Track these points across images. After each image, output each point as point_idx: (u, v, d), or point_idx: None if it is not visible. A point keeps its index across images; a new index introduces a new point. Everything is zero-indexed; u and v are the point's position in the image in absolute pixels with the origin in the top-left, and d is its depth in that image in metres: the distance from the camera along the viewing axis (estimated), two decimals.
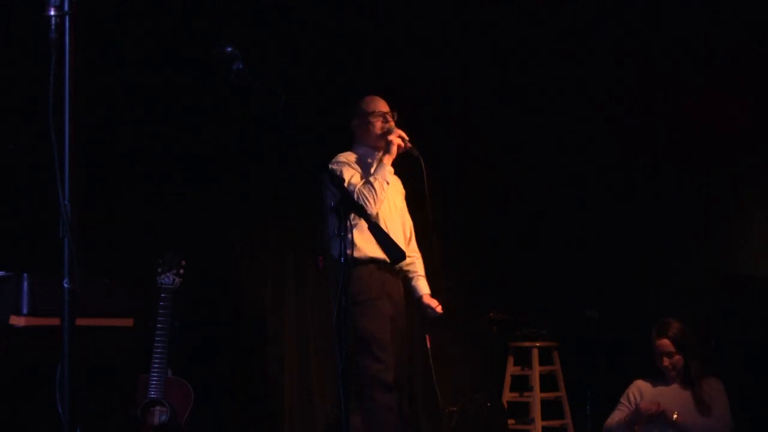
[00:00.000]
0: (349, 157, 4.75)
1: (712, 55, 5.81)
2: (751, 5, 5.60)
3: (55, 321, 2.19)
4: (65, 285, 2.14)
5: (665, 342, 4.81)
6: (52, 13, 2.14)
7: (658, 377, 4.88)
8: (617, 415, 4.87)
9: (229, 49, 2.85)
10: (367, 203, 4.49)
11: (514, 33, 6.12)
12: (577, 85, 6.25)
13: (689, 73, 5.90)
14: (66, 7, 2.15)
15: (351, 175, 4.63)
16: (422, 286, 4.92)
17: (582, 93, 6.25)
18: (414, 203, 4.84)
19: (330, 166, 4.58)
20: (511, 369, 6.26)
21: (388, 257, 3.57)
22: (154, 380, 4.31)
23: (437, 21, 6.02)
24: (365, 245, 4.50)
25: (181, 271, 4.48)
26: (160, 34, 5.07)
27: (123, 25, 4.85)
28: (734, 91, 5.82)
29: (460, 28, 6.10)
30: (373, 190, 4.53)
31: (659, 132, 6.06)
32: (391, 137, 4.68)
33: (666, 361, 4.81)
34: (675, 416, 4.67)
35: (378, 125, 4.77)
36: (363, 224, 4.36)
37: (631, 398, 4.88)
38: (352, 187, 4.52)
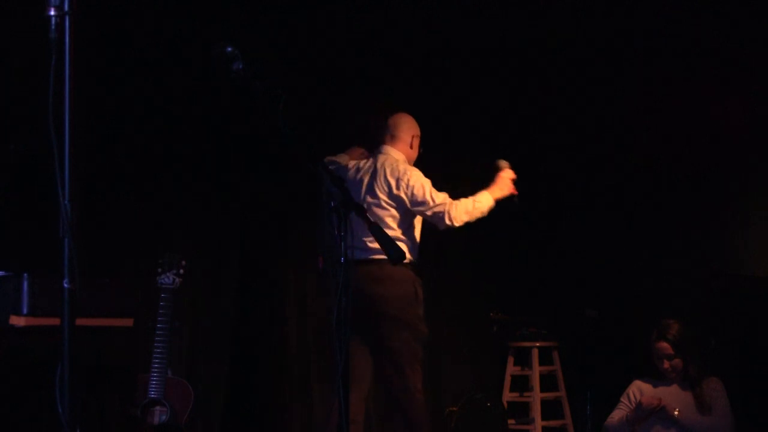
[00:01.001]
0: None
1: (712, 55, 5.81)
2: (751, 5, 5.61)
3: (55, 321, 2.19)
4: (65, 285, 2.14)
5: (664, 345, 4.81)
6: (52, 13, 2.14)
7: (658, 377, 4.89)
8: (617, 414, 4.88)
9: (229, 49, 2.85)
10: (460, 222, 4.62)
11: (515, 32, 6.12)
12: (576, 85, 6.25)
13: (689, 73, 5.90)
14: (66, 7, 2.14)
15: (431, 186, 4.66)
16: None
17: (581, 93, 6.25)
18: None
19: (411, 171, 4.64)
20: (511, 369, 6.26)
21: (389, 256, 3.56)
22: (154, 380, 4.31)
23: (441, 20, 6.02)
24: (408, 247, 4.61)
25: (181, 271, 4.48)
26: (161, 34, 5.07)
27: (123, 24, 4.85)
28: (734, 91, 5.83)
29: (465, 28, 6.10)
30: (471, 216, 4.66)
31: (659, 132, 6.06)
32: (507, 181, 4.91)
33: (666, 364, 4.81)
34: (676, 413, 4.67)
35: (418, 149, 4.89)
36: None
37: (632, 397, 4.89)
38: (441, 200, 4.60)
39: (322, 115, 5.64)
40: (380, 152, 4.78)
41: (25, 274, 3.25)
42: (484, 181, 5.46)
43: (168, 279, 4.46)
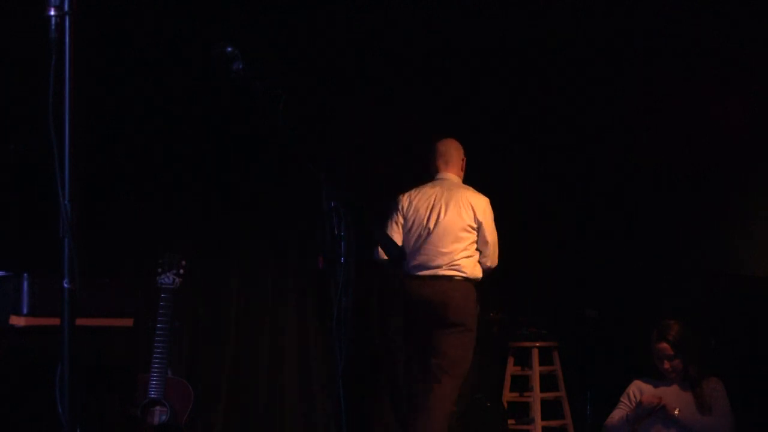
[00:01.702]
0: None
1: (712, 55, 5.81)
2: (751, 5, 5.61)
3: (55, 321, 2.19)
4: (65, 285, 2.14)
5: (664, 346, 4.80)
6: (52, 13, 2.14)
7: (658, 377, 4.88)
8: (618, 414, 4.87)
9: (229, 49, 2.85)
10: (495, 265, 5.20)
11: (515, 32, 6.12)
12: (576, 85, 6.25)
13: (689, 73, 5.90)
14: (66, 7, 2.14)
15: None
16: None
17: (581, 93, 6.25)
18: None
19: (486, 201, 5.12)
20: (511, 369, 6.26)
21: (391, 257, 3.60)
22: (154, 380, 4.30)
23: (441, 20, 6.02)
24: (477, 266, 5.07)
25: (181, 271, 4.48)
26: (161, 34, 5.07)
27: (123, 24, 4.85)
28: (734, 91, 5.83)
29: (465, 28, 6.10)
30: None
31: (659, 132, 6.06)
32: None
33: (666, 364, 4.81)
34: (676, 412, 4.67)
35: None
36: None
37: (632, 397, 4.88)
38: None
39: (322, 115, 5.64)
40: (444, 178, 5.22)
41: (25, 274, 3.25)
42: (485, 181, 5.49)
43: (168, 279, 4.45)
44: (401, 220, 5.14)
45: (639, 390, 4.89)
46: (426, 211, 5.08)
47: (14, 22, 4.18)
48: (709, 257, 5.91)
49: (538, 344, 6.19)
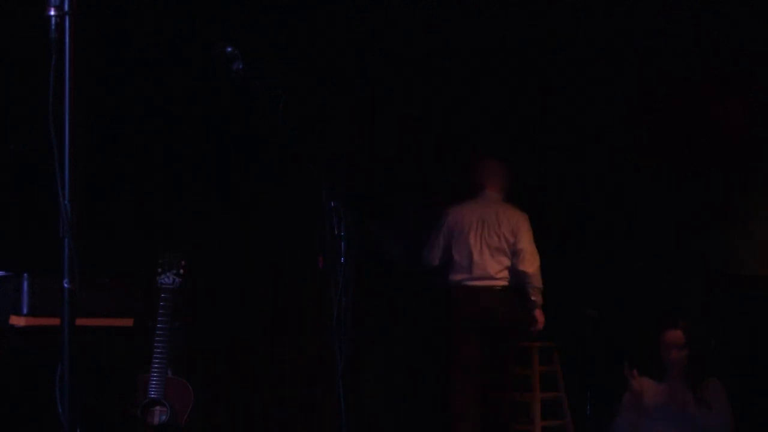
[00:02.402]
0: None
1: (712, 55, 5.81)
2: (751, 5, 5.60)
3: (55, 321, 2.19)
4: (65, 285, 2.14)
5: (678, 333, 4.78)
6: (52, 13, 2.14)
7: (659, 376, 4.88)
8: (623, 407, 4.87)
9: (229, 49, 2.85)
10: (533, 269, 5.69)
11: (515, 32, 6.11)
12: (576, 85, 6.25)
13: (689, 73, 5.90)
14: (66, 7, 2.14)
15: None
16: None
17: (581, 93, 6.25)
18: None
19: (521, 214, 5.68)
20: None
21: (393, 256, 3.64)
22: (154, 380, 4.30)
23: (441, 20, 6.01)
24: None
25: (181, 271, 4.47)
26: (161, 34, 5.06)
27: (123, 24, 4.85)
28: (734, 91, 5.83)
29: (465, 28, 6.10)
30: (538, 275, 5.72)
31: (659, 132, 6.06)
32: None
33: (674, 353, 4.78)
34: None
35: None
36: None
37: (634, 386, 4.85)
38: (530, 245, 5.65)
39: (322, 115, 5.64)
40: (486, 195, 5.75)
41: (25, 274, 3.25)
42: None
43: (168, 279, 4.45)
44: (443, 236, 5.68)
45: (639, 384, 4.87)
46: (469, 227, 5.63)
47: (14, 22, 4.18)
48: (709, 257, 5.92)
49: (538, 344, 6.19)
